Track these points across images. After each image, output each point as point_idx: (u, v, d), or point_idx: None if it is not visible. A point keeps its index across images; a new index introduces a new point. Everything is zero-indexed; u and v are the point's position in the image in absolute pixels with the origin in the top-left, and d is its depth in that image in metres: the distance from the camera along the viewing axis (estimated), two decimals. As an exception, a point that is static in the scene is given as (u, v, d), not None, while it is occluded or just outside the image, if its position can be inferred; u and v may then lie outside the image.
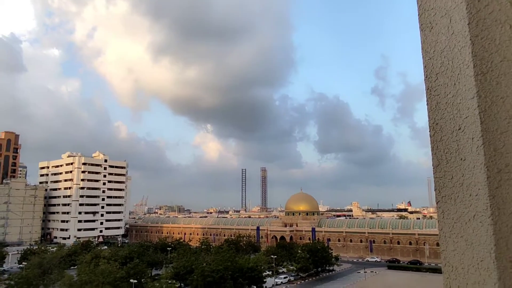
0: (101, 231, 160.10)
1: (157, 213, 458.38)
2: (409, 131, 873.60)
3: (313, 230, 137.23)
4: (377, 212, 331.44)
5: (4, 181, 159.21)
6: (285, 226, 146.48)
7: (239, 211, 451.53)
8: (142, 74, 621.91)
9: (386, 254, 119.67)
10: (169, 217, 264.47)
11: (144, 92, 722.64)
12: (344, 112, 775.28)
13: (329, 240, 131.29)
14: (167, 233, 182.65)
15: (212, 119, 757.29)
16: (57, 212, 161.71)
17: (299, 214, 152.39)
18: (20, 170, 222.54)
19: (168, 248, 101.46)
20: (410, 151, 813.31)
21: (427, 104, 1.87)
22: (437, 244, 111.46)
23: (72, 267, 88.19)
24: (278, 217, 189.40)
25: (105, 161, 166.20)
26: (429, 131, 1.87)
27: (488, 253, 1.49)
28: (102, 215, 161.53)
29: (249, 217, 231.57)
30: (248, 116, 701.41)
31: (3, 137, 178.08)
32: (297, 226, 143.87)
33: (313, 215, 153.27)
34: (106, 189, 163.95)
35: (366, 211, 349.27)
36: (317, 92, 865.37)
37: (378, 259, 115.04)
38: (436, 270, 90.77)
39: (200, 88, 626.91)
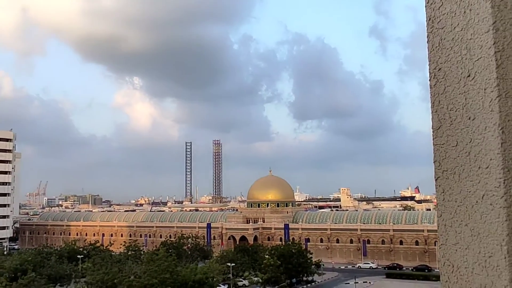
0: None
1: (61, 206, 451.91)
2: (419, 90, 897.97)
3: (286, 227, 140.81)
4: (374, 202, 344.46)
5: None
6: (247, 222, 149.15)
7: (181, 202, 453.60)
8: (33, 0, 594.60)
9: (384, 258, 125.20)
10: (79, 211, 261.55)
11: (38, 27, 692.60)
12: (331, 61, 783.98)
13: (308, 240, 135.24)
14: (77, 234, 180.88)
15: (141, 70, 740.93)
16: None
17: (267, 206, 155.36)
18: None
19: (79, 256, 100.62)
20: (421, 117, 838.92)
21: (427, 41, 1.92)
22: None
23: None
24: (237, 209, 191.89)
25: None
26: (429, 80, 1.92)
27: (498, 246, 1.52)
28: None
29: (197, 210, 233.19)
30: (193, 66, 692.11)
31: None
32: (264, 222, 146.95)
33: (287, 206, 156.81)
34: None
35: (359, 201, 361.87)
36: (293, 32, 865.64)
37: (374, 265, 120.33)
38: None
39: (122, 23, 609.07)
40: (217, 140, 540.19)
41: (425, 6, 1.92)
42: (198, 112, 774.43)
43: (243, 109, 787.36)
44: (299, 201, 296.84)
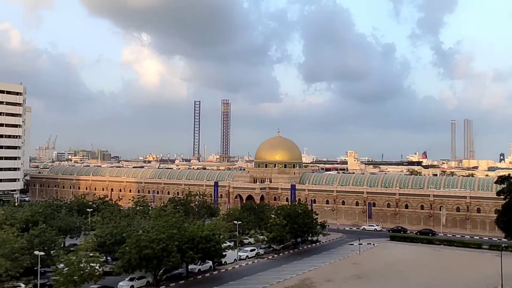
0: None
1: (70, 160, 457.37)
2: (431, 55, 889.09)
3: (293, 188, 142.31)
4: (381, 166, 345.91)
5: None
6: (254, 181, 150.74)
7: (189, 160, 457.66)
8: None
9: (389, 221, 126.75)
10: (88, 166, 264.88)
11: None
12: (342, 22, 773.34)
13: (314, 201, 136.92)
14: (86, 188, 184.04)
15: (149, 26, 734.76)
16: None
17: (274, 166, 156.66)
18: None
19: (88, 210, 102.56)
20: (431, 82, 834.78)
21: None
22: (458, 209, 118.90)
23: None
24: (244, 169, 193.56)
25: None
26: None
27: None
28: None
29: (204, 168, 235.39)
30: (202, 23, 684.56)
31: None
32: (271, 182, 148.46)
33: (294, 167, 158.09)
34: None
35: (366, 164, 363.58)
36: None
37: (379, 227, 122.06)
38: (453, 243, 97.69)
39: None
40: (226, 100, 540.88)
41: None
42: (207, 71, 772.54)
43: (252, 69, 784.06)
44: (306, 163, 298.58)
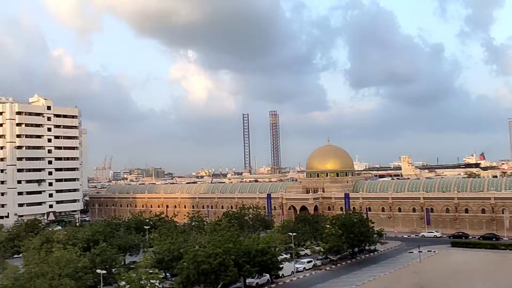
0: (51, 206, 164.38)
1: (126, 179, 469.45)
2: (482, 52, 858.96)
3: (347, 196, 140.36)
4: (437, 170, 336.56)
5: None
6: (307, 192, 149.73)
7: (241, 174, 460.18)
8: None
9: (449, 227, 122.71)
10: (143, 184, 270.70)
11: (93, 4, 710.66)
12: (387, 25, 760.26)
13: (369, 209, 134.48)
14: (143, 206, 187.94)
15: (194, 42, 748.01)
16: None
17: (327, 176, 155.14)
18: None
19: (145, 227, 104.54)
20: (484, 80, 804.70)
21: None
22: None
23: (15, 256, 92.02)
24: (296, 180, 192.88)
25: (48, 108, 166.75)
26: None
27: None
28: (50, 184, 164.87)
29: (256, 181, 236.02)
30: (246, 36, 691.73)
31: None
32: (323, 191, 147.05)
33: (346, 175, 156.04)
34: (53, 148, 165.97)
35: (420, 169, 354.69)
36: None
37: (438, 234, 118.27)
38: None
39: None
40: (274, 111, 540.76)
41: None
42: (253, 83, 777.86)
43: (297, 79, 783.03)
44: (359, 170, 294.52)
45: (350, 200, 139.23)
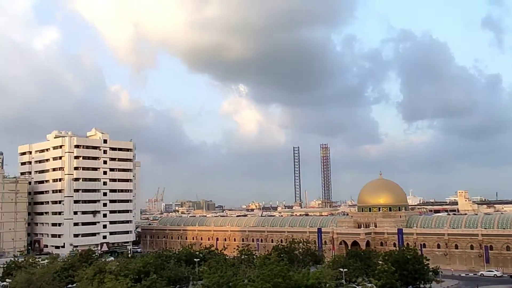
0: (104, 237, 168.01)
1: (177, 211, 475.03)
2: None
3: (400, 232, 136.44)
4: (496, 205, 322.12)
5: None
6: (359, 226, 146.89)
7: (291, 207, 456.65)
8: (143, 16, 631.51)
9: (510, 266, 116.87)
10: (194, 216, 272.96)
11: (148, 41, 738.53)
12: (441, 57, 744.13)
13: (423, 246, 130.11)
14: (193, 238, 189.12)
15: (245, 77, 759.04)
16: (46, 213, 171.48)
17: (379, 210, 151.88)
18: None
19: (195, 259, 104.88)
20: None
21: None
22: None
23: (69, 286, 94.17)
24: (347, 214, 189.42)
25: (105, 141, 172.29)
26: None
27: None
28: (105, 215, 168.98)
29: (307, 214, 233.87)
30: (296, 70, 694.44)
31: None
32: (376, 226, 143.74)
33: (399, 210, 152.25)
34: (108, 180, 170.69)
35: (478, 204, 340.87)
36: (398, 29, 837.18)
37: (499, 273, 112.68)
38: None
39: (225, 31, 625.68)
40: (325, 144, 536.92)
41: None
42: (303, 116, 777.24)
43: (349, 112, 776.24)
44: (413, 205, 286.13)
45: (404, 236, 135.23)
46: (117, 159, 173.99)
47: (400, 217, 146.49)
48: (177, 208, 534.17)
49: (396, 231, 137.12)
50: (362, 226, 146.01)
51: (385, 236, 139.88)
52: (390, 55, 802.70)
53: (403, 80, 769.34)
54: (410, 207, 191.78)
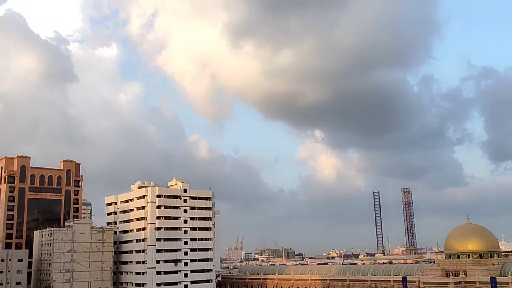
0: (186, 286, 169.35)
1: (257, 259, 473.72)
2: None
3: (493, 281, 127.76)
4: None
5: (66, 223, 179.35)
6: (447, 275, 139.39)
7: (374, 254, 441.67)
8: (219, 67, 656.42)
9: None
10: (274, 265, 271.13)
11: (225, 92, 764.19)
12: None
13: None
14: (273, 287, 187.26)
15: (321, 122, 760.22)
16: (130, 262, 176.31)
17: (468, 257, 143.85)
18: (84, 209, 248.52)
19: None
20: None
21: None
22: None
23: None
24: (434, 261, 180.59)
25: (185, 190, 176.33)
26: None
27: None
28: (186, 264, 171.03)
29: (390, 262, 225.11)
30: (373, 113, 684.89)
31: (62, 167, 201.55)
32: (466, 275, 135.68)
33: (491, 257, 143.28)
34: (188, 229, 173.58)
35: None
36: (479, 66, 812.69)
37: None
38: None
39: (299, 78, 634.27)
40: (406, 188, 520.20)
41: None
42: (381, 160, 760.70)
43: (430, 154, 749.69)
44: (506, 251, 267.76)
45: (498, 285, 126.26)
46: (197, 208, 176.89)
47: (493, 264, 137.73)
48: (256, 256, 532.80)
49: (489, 280, 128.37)
50: (450, 274, 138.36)
51: (477, 285, 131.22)
52: (471, 94, 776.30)
53: (487, 119, 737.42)
54: (503, 253, 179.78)
